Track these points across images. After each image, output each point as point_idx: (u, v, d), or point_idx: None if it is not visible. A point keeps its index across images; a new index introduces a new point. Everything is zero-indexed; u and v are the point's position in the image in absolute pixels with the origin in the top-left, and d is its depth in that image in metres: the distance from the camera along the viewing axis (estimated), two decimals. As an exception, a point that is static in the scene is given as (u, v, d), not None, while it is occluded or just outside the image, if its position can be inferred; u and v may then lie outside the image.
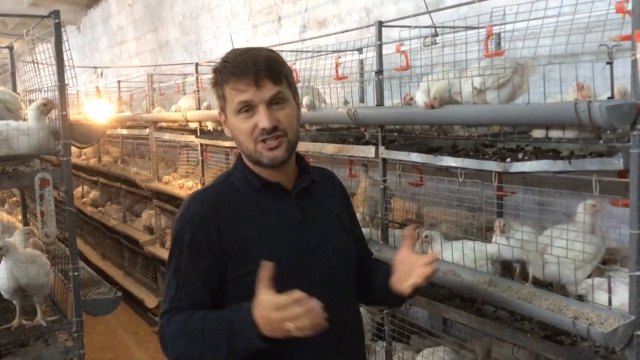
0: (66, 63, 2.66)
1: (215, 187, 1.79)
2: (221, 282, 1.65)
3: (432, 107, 2.52)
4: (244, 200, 1.71)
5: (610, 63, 2.11)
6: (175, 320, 1.60)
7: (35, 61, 2.95)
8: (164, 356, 1.65)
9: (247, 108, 1.64)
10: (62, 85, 2.66)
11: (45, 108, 2.87)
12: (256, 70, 1.61)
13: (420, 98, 2.56)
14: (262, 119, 1.62)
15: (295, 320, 1.42)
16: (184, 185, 5.47)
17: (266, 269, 1.48)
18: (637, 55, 1.82)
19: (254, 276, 1.50)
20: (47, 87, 2.87)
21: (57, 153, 2.77)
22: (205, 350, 1.56)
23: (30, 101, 3.15)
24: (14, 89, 3.69)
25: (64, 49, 2.64)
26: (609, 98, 2.14)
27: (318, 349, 1.66)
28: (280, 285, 1.49)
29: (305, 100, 3.42)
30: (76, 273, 2.74)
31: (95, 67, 7.10)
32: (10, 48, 3.74)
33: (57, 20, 2.56)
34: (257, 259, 1.54)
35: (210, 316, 1.58)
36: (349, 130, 3.70)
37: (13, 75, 3.71)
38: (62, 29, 2.73)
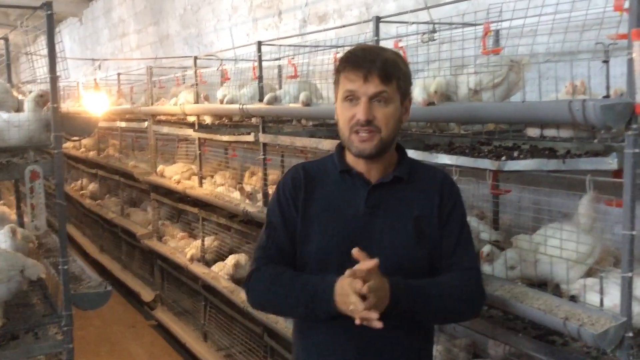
0: (58, 55, 2.64)
1: (313, 162, 2.01)
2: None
3: (429, 104, 2.50)
4: (325, 180, 1.90)
5: (606, 61, 2.09)
6: (265, 270, 1.85)
7: (29, 52, 2.92)
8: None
9: (352, 97, 1.76)
10: (53, 77, 2.64)
11: (42, 100, 2.85)
12: (369, 65, 1.73)
13: (418, 95, 2.53)
14: (360, 111, 1.74)
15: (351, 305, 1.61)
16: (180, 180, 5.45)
17: (366, 264, 1.63)
18: (634, 54, 1.80)
19: (307, 247, 1.83)
20: (40, 79, 2.85)
21: (48, 145, 2.76)
22: (286, 304, 1.81)
23: (23, 93, 3.13)
24: (9, 80, 3.67)
25: (56, 41, 2.62)
26: (604, 97, 2.12)
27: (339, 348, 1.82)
28: (324, 266, 1.76)
29: (301, 97, 3.40)
30: (65, 266, 2.72)
31: (93, 60, 7.08)
32: (6, 39, 3.72)
33: (49, 12, 2.54)
34: (312, 234, 1.83)
35: (299, 278, 1.80)
36: (346, 126, 3.67)
37: (8, 66, 3.69)
38: (62, 21, 2.70)
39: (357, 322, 1.62)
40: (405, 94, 1.83)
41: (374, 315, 1.60)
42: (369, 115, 1.74)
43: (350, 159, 1.88)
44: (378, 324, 1.60)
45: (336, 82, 1.84)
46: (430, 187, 1.89)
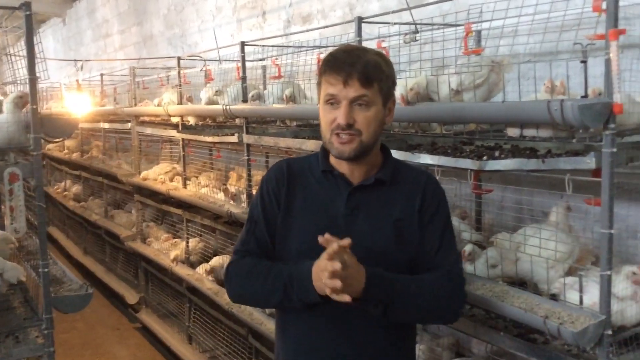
0: (38, 56, 2.62)
1: (297, 159, 2.02)
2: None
3: (408, 102, 2.51)
4: (309, 178, 1.91)
5: (584, 62, 2.10)
6: (243, 262, 1.87)
7: (8, 53, 2.89)
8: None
9: (333, 101, 1.76)
10: (32, 79, 2.61)
11: (21, 101, 2.82)
12: (349, 69, 1.72)
13: (399, 93, 2.54)
14: (340, 115, 1.74)
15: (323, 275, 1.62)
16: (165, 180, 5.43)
17: (341, 242, 1.63)
18: (611, 55, 1.82)
19: (286, 245, 1.86)
20: (20, 80, 2.82)
21: (28, 147, 2.73)
22: (264, 292, 1.81)
23: (5, 94, 3.10)
24: (-11, 81, 3.63)
25: (35, 42, 2.60)
26: (582, 97, 2.14)
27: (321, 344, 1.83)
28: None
29: (286, 92, 3.40)
30: (46, 269, 2.70)
31: (75, 60, 7.02)
32: (-15, 40, 3.67)
33: (27, 12, 2.51)
34: (292, 231, 1.85)
35: (275, 266, 1.82)
36: (329, 127, 3.67)
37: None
38: (45, 22, 2.67)
39: (328, 292, 1.63)
40: (387, 95, 1.82)
41: (337, 283, 1.60)
42: (349, 119, 1.73)
43: (333, 159, 1.88)
44: (346, 298, 1.61)
45: (318, 84, 1.84)
46: (413, 190, 1.88)
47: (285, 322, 1.94)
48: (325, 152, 1.91)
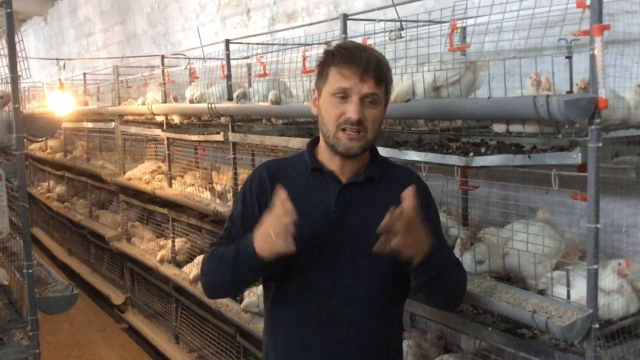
0: (19, 54, 2.58)
1: (281, 160, 2.03)
2: None
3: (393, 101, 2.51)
4: (295, 178, 1.86)
5: (569, 57, 2.12)
6: (211, 254, 1.85)
7: (-11, 52, 2.84)
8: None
9: (343, 95, 1.73)
10: (14, 77, 2.58)
11: (1, 101, 2.79)
12: (366, 64, 1.71)
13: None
14: (352, 110, 1.71)
15: (273, 226, 1.61)
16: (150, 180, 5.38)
17: (282, 194, 1.64)
18: (595, 50, 1.83)
19: None
20: (1, 79, 2.78)
21: (10, 147, 2.69)
22: (220, 271, 1.79)
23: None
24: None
25: (16, 40, 2.56)
26: (567, 92, 2.15)
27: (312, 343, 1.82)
28: (292, 264, 1.74)
29: (270, 96, 3.39)
30: (30, 270, 2.66)
31: (57, 59, 6.94)
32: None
33: (8, 10, 2.48)
34: None
35: (229, 245, 1.80)
36: (316, 124, 3.67)
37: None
38: (26, 21, 2.64)
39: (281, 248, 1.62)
40: (388, 97, 1.85)
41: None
42: (361, 115, 1.72)
43: (322, 157, 1.86)
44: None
45: (322, 75, 1.79)
46: (402, 188, 1.85)
47: (275, 321, 1.93)
48: (312, 149, 1.89)
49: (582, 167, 1.93)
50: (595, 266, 1.90)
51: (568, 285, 2.04)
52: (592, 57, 1.84)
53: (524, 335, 2.25)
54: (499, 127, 2.23)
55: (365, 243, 1.79)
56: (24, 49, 2.65)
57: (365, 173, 1.85)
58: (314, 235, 1.79)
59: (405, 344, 2.81)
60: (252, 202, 1.88)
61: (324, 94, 1.78)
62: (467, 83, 2.40)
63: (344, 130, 1.74)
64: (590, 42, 1.84)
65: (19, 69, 2.59)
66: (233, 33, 5.78)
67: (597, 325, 1.91)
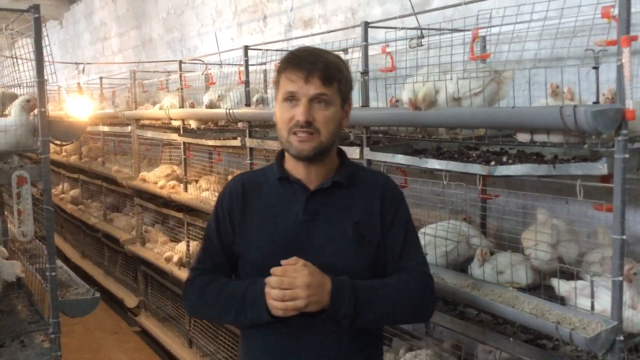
0: (46, 59, 2.61)
1: (252, 172, 2.05)
2: (234, 254, 1.88)
3: (417, 107, 2.51)
4: (265, 189, 1.87)
5: (596, 68, 2.11)
6: (199, 280, 1.86)
7: (14, 56, 2.88)
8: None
9: (292, 98, 1.74)
10: (41, 81, 2.60)
11: (29, 105, 2.81)
12: (310, 67, 1.72)
13: (406, 97, 2.55)
14: (299, 112, 1.72)
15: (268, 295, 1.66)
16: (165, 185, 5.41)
17: (286, 262, 1.67)
18: (623, 60, 1.83)
19: (246, 257, 1.82)
20: (27, 83, 2.81)
21: (35, 150, 2.72)
22: (217, 311, 1.82)
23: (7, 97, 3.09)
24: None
25: (43, 44, 2.59)
26: (594, 103, 2.14)
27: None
28: (264, 276, 1.70)
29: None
30: (53, 273, 2.68)
31: (77, 63, 7.00)
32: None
33: (36, 15, 2.51)
34: (251, 244, 1.82)
35: (229, 284, 1.81)
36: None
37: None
38: (43, 25, 2.67)
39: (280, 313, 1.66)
40: (345, 98, 1.82)
41: (278, 304, 1.64)
42: (308, 117, 1.71)
43: (289, 165, 1.84)
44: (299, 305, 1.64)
45: (276, 83, 1.82)
46: (371, 192, 1.86)
47: (249, 338, 1.88)
48: (280, 159, 1.88)
49: (605, 178, 1.93)
50: (621, 278, 1.89)
51: (592, 296, 2.03)
52: (620, 68, 1.84)
53: (545, 346, 2.25)
54: (522, 137, 2.23)
55: (335, 249, 1.77)
56: (51, 54, 2.68)
57: (332, 178, 1.83)
58: (283, 244, 1.77)
59: (424, 353, 2.82)
60: (224, 218, 1.88)
61: (278, 101, 1.80)
62: (491, 93, 2.39)
63: (295, 133, 1.74)
64: (617, 52, 1.84)
65: (45, 73, 2.61)
66: (249, 39, 5.81)
67: (621, 338, 1.90)
